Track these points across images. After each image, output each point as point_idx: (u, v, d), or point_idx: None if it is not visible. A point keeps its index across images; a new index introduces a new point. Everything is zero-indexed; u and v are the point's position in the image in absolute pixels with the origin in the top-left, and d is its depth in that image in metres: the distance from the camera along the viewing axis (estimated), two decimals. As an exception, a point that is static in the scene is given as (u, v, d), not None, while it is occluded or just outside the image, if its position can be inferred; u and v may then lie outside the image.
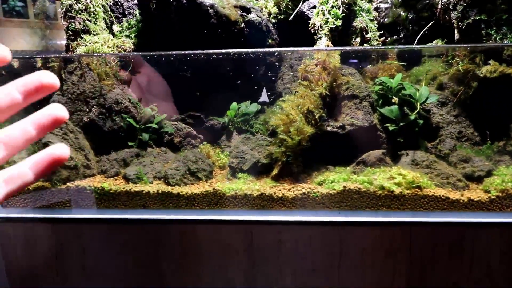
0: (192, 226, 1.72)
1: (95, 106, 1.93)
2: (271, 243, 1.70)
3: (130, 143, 2.01)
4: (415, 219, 1.62)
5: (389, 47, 2.24)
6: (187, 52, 1.95)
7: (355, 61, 2.19)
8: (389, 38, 2.46)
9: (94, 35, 2.44)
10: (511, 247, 1.59)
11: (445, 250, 1.62)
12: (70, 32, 2.36)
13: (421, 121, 1.87)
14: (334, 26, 2.28)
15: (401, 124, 1.87)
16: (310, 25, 2.36)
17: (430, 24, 2.28)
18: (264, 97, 2.72)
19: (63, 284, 1.86)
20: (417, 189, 1.63)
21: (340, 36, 2.38)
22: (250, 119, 2.31)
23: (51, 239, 1.80)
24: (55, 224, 1.79)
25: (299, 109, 1.82)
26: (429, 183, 1.64)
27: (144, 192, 1.73)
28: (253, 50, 2.04)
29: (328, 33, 2.30)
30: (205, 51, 1.87)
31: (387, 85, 1.93)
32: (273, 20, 2.72)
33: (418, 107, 1.89)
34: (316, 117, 1.82)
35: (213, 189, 1.71)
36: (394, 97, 1.87)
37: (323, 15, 2.29)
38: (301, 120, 1.76)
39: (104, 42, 2.38)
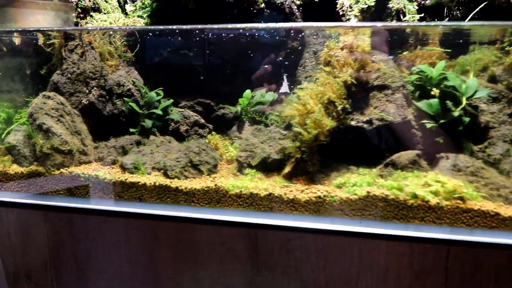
0: (190, 225, 1.53)
1: (95, 88, 1.77)
2: (278, 250, 1.48)
3: (131, 130, 1.85)
4: (455, 236, 1.33)
5: (418, 23, 1.89)
6: (183, 26, 1.74)
7: None
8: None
9: (104, 13, 2.30)
10: None
11: (491, 277, 1.32)
12: (79, 10, 2.24)
13: (467, 119, 1.56)
14: (366, 6, 1.99)
15: (442, 121, 1.57)
16: (338, 5, 2.08)
17: (482, 6, 1.92)
18: (285, 87, 2.48)
19: (56, 276, 1.75)
20: (459, 201, 1.34)
21: (372, 18, 2.08)
22: (266, 109, 2.08)
23: (43, 227, 1.69)
24: (47, 212, 1.67)
25: (319, 99, 1.57)
26: (474, 194, 1.34)
27: (140, 183, 1.56)
28: (259, 25, 1.79)
29: (359, 14, 2.01)
30: (200, 26, 1.64)
31: (426, 74, 1.63)
32: (298, 2, 2.47)
33: (464, 102, 1.57)
34: (338, 108, 1.56)
35: (216, 185, 1.51)
36: (434, 89, 1.57)
37: (354, -6, 2.00)
38: (320, 111, 1.51)
39: (114, 21, 2.23)
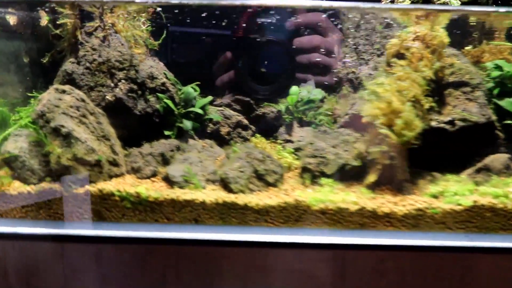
0: (263, 251, 1.25)
1: (123, 81, 1.41)
2: (369, 274, 1.26)
3: (166, 132, 1.51)
4: None
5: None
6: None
7: None
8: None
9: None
10: None
11: None
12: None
13: (553, 119, 1.47)
14: (419, -3, 1.84)
15: (527, 121, 1.46)
16: (387, -5, 1.91)
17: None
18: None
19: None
20: None
21: (422, 10, 1.95)
22: (311, 109, 1.85)
23: (58, 264, 1.29)
24: (65, 243, 1.28)
25: (403, 96, 1.37)
26: None
27: (196, 201, 1.25)
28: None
29: (412, 5, 1.86)
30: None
31: (507, 71, 1.51)
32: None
33: (546, 100, 1.48)
34: (425, 107, 1.39)
35: (295, 200, 1.25)
36: (521, 86, 1.45)
37: (407, -17, 1.84)
38: (411, 111, 1.32)
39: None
